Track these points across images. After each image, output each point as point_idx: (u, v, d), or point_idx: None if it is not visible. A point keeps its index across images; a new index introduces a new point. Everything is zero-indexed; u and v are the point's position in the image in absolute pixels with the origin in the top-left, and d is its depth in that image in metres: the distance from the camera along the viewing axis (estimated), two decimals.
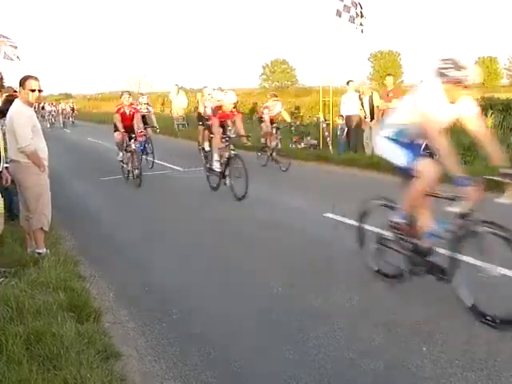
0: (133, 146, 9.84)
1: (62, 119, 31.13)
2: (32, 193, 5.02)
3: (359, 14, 11.73)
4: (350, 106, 12.03)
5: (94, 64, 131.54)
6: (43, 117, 40.86)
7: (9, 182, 4.95)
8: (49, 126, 31.03)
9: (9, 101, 5.61)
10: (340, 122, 12.41)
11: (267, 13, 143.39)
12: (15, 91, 6.07)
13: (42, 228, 5.11)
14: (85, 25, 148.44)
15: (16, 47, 11.48)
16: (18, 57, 11.38)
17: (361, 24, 11.79)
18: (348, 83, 12.42)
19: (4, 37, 11.31)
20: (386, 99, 11.20)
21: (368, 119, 11.65)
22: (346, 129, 12.19)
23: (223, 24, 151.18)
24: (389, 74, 12.56)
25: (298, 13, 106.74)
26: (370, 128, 11.48)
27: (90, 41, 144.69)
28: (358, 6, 11.67)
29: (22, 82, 4.95)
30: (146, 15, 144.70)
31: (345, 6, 11.56)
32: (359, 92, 12.05)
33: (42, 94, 5.21)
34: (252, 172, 8.13)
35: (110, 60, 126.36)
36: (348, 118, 12.13)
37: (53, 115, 32.43)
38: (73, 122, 32.89)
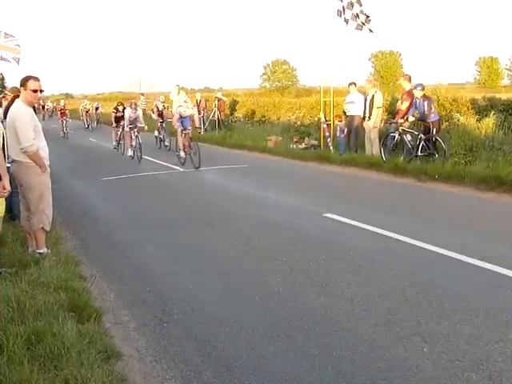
0: None
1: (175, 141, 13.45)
2: (34, 193, 5.02)
3: (360, 13, 11.64)
4: (353, 107, 12.00)
5: (95, 64, 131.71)
6: (91, 120, 26.92)
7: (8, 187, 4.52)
8: (119, 148, 15.45)
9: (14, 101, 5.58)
10: (338, 122, 12.41)
11: (268, 13, 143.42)
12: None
13: (43, 228, 5.12)
14: (86, 25, 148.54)
15: (19, 46, 11.39)
16: (17, 60, 11.33)
17: (363, 23, 11.67)
18: (350, 85, 12.38)
19: (8, 35, 11.24)
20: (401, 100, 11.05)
21: (366, 119, 11.59)
22: (345, 129, 12.17)
23: (224, 24, 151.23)
24: (404, 76, 11.65)
25: (298, 13, 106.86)
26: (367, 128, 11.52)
27: (91, 41, 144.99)
28: (357, 4, 11.57)
29: (24, 83, 4.96)
30: (147, 15, 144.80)
31: (343, 6, 11.54)
32: (365, 93, 11.94)
33: (43, 94, 5.24)
34: (251, 172, 8.11)
35: (110, 60, 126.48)
36: (351, 118, 12.11)
37: (138, 127, 13.77)
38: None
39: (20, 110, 4.95)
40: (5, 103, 7.37)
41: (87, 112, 27.21)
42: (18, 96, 5.77)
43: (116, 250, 5.85)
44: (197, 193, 9.11)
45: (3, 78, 33.70)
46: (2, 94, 8.32)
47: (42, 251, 5.06)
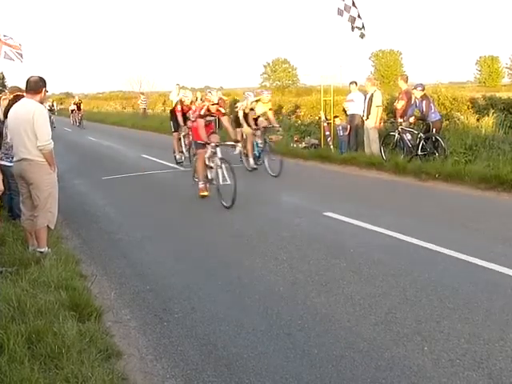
0: None
1: None
2: (44, 191, 5.06)
3: (357, 17, 11.66)
4: (354, 106, 11.98)
5: (95, 63, 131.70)
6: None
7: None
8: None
9: (16, 101, 5.54)
10: (338, 121, 12.38)
11: (268, 12, 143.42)
12: (21, 90, 6.01)
13: (48, 226, 5.13)
14: (86, 24, 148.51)
15: (20, 45, 11.43)
16: (20, 55, 11.34)
17: (362, 27, 11.71)
18: (351, 84, 12.36)
19: (7, 36, 11.28)
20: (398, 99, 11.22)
21: (364, 118, 11.57)
22: (348, 127, 12.15)
23: (225, 23, 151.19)
24: (401, 76, 12.35)
25: (299, 12, 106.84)
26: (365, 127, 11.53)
27: (92, 40, 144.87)
28: (354, 8, 11.61)
29: (45, 83, 5.14)
30: (148, 15, 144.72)
31: (346, 5, 11.55)
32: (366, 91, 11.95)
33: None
34: (252, 172, 8.11)
35: (110, 60, 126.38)
36: (351, 117, 12.10)
37: None
38: None
39: (40, 108, 5.03)
40: (4, 103, 7.35)
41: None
42: (18, 95, 5.76)
43: (116, 249, 5.85)
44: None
45: (3, 77, 33.67)
46: (2, 94, 8.30)
47: (42, 250, 5.07)
